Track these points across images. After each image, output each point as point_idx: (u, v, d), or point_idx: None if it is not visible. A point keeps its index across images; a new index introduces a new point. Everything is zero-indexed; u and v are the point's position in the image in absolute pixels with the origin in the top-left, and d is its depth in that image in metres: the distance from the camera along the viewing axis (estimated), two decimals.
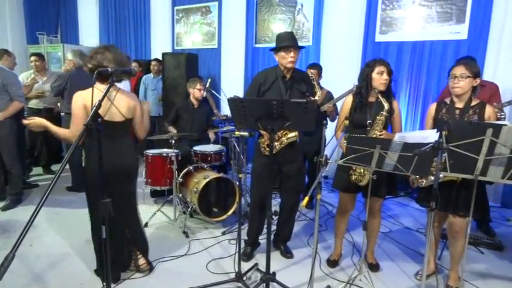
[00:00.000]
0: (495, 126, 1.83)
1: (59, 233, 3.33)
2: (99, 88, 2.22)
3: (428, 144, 1.89)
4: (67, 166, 3.78)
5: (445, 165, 1.95)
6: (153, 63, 6.01)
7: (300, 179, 2.88)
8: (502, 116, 2.87)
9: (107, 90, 1.72)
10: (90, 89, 2.01)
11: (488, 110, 2.34)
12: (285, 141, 2.68)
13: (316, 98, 2.62)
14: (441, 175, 2.12)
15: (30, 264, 2.77)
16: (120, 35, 7.61)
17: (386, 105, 2.43)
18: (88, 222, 2.44)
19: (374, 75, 2.48)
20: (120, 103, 2.31)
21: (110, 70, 1.82)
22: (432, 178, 2.18)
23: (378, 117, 2.46)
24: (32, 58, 4.86)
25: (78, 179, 4.51)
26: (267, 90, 2.70)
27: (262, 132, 2.67)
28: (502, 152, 1.84)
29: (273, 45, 2.70)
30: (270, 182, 2.46)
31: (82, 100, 2.21)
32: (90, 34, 8.05)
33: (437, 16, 4.40)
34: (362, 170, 2.50)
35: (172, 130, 4.05)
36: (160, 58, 5.91)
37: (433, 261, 2.69)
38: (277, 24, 5.64)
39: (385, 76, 2.46)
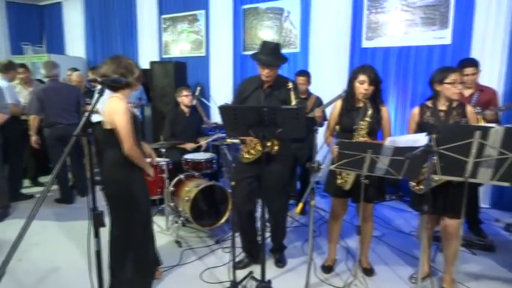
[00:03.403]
0: (483, 129, 1.87)
1: (47, 247, 3.27)
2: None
3: (418, 147, 1.92)
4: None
5: (436, 169, 1.98)
6: None
7: (281, 184, 2.76)
8: (478, 110, 2.87)
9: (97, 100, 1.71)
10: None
11: (469, 109, 2.43)
12: (259, 151, 2.63)
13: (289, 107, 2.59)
14: (436, 178, 2.16)
15: (19, 280, 2.70)
16: (107, 44, 7.55)
17: (370, 111, 2.46)
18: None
19: (356, 83, 2.51)
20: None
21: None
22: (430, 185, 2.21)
23: (361, 122, 2.48)
24: (20, 70, 4.71)
25: (66, 190, 4.44)
26: (247, 97, 2.70)
27: (245, 138, 2.65)
28: (490, 153, 1.87)
29: None
30: (249, 189, 2.42)
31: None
32: (76, 43, 7.98)
33: (421, 22, 4.49)
34: (344, 174, 2.51)
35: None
36: (148, 67, 5.88)
37: (427, 264, 2.71)
38: (264, 31, 5.68)
39: (365, 86, 2.46)
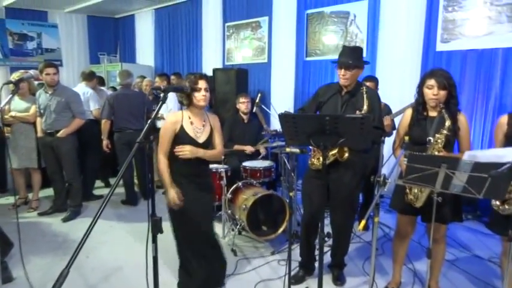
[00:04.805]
0: None
1: (113, 247, 3.48)
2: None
3: (504, 164, 1.70)
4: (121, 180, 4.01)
5: None
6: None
7: (350, 197, 2.73)
8: None
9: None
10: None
11: None
12: (329, 157, 2.57)
13: (362, 112, 2.50)
14: None
15: (85, 275, 2.91)
16: (174, 52, 7.99)
17: (447, 122, 2.26)
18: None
19: (424, 89, 2.35)
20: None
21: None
22: None
23: (437, 135, 2.29)
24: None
25: (131, 193, 4.72)
26: (324, 103, 2.70)
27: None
28: None
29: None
30: (320, 199, 2.37)
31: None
32: (145, 52, 8.55)
33: (507, 19, 4.04)
34: (416, 190, 2.33)
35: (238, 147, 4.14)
36: (211, 74, 6.07)
37: None
38: (328, 36, 5.57)
39: (434, 91, 2.29)
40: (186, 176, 2.40)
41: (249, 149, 4.22)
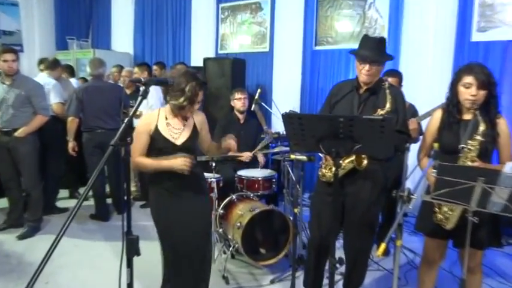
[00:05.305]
0: None
1: (78, 270, 3.45)
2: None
3: None
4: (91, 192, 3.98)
5: None
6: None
7: (368, 215, 2.72)
8: None
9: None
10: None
11: None
12: (345, 166, 2.57)
13: (384, 111, 2.51)
14: None
15: None
16: (157, 38, 7.99)
17: (482, 126, 2.26)
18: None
19: (460, 87, 2.35)
20: None
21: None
22: None
23: (470, 142, 2.29)
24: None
25: (103, 206, 4.70)
26: (337, 102, 2.71)
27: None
28: None
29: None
30: (332, 217, 2.36)
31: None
32: (123, 38, 8.53)
33: None
34: (447, 209, 2.33)
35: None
36: (201, 64, 6.07)
37: None
38: (342, 22, 5.59)
39: (472, 90, 2.29)
40: (172, 179, 2.44)
41: (245, 155, 4.21)
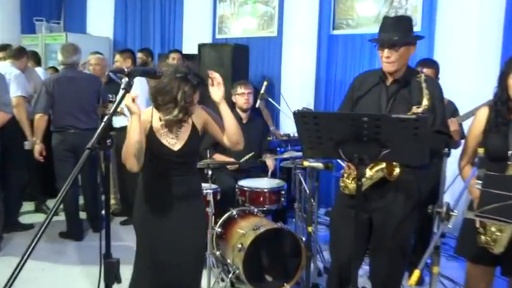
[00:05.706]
0: None
1: None
2: None
3: None
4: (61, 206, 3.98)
5: None
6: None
7: (401, 236, 2.73)
8: None
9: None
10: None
11: None
12: (373, 175, 2.57)
13: (421, 109, 2.50)
14: None
15: None
16: (142, 20, 8.02)
17: None
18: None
19: (510, 81, 2.36)
20: None
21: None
22: None
23: None
24: None
25: (75, 222, 4.70)
26: (360, 97, 2.71)
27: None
28: None
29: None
30: (354, 239, 2.36)
31: None
32: (101, 20, 8.58)
33: None
34: (494, 229, 2.33)
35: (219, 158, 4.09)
36: (196, 51, 6.09)
37: None
38: (365, 3, 5.60)
39: None
40: (161, 195, 2.46)
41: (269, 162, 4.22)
